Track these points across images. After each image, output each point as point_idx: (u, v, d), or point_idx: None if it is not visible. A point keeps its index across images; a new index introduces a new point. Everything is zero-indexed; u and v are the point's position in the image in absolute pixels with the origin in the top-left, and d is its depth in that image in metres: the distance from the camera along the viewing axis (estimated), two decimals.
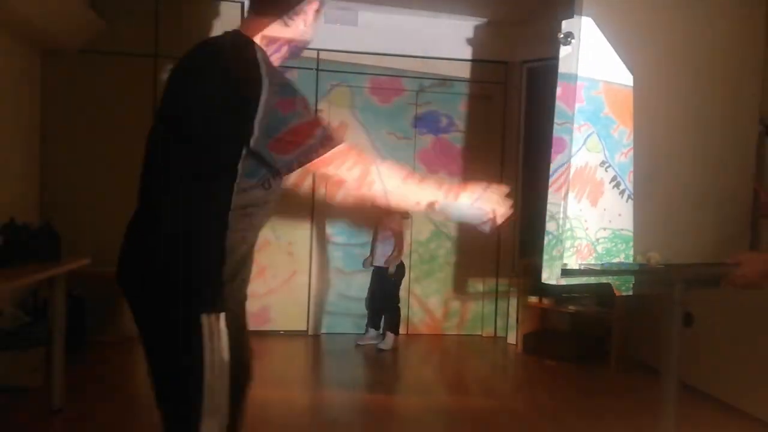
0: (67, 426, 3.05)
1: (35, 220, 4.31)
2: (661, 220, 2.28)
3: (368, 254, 5.00)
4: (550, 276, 1.95)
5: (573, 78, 1.94)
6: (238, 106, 1.43)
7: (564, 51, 1.98)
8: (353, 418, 3.34)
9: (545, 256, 1.94)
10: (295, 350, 4.69)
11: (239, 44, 1.54)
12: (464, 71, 5.30)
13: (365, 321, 5.09)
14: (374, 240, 4.95)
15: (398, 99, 5.25)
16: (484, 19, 5.22)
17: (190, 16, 4.87)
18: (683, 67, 2.26)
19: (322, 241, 5.16)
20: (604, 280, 2.15)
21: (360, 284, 5.21)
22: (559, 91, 1.99)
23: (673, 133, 2.26)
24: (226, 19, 4.93)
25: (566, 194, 1.93)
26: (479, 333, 5.38)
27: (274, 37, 1.60)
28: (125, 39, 4.76)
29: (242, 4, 4.95)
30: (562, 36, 1.98)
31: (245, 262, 1.63)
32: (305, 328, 5.12)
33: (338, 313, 5.20)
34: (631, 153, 2.08)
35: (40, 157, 4.70)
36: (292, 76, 5.01)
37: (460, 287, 5.35)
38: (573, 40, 1.95)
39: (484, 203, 1.61)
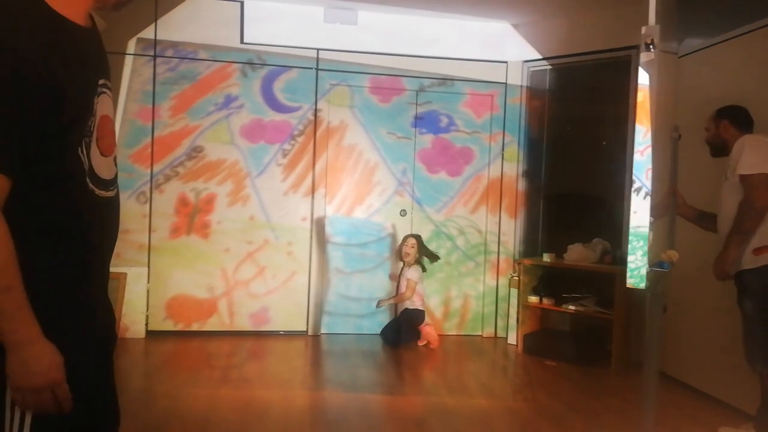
0: None
1: None
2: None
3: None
4: (637, 280, 1.96)
5: (653, 84, 1.92)
6: None
7: (645, 57, 1.93)
8: (353, 418, 3.33)
9: (631, 263, 1.96)
10: (295, 350, 4.68)
11: None
12: (464, 71, 5.29)
13: (365, 321, 5.14)
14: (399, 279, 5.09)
15: (398, 98, 5.24)
16: (485, 19, 5.22)
17: (190, 17, 4.88)
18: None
19: (322, 241, 5.15)
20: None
21: (360, 284, 5.20)
22: (640, 96, 1.94)
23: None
24: (226, 19, 4.94)
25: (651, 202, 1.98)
26: (479, 333, 5.37)
27: None
28: (125, 39, 4.76)
29: (242, 3, 4.94)
30: (647, 43, 1.91)
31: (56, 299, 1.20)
32: (305, 329, 5.11)
33: (338, 313, 5.19)
34: (649, 150, 2.07)
35: None
36: (291, 75, 5.02)
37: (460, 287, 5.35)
38: (653, 48, 1.90)
39: None
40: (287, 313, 5.07)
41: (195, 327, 4.93)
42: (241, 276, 4.99)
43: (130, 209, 4.78)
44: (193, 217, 4.93)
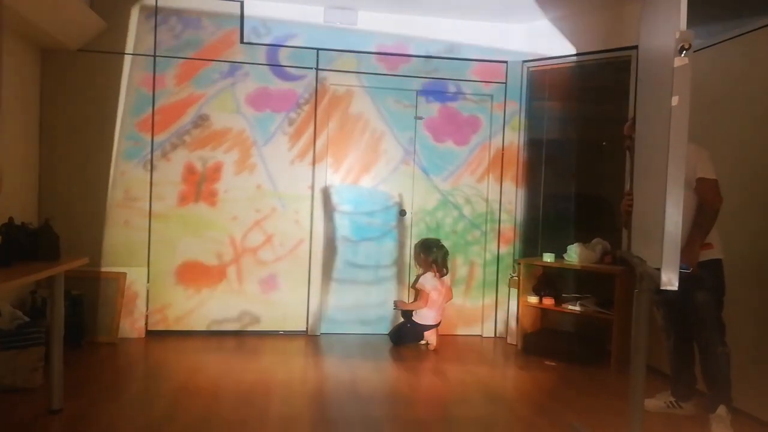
0: (66, 426, 3.04)
1: (34, 219, 4.31)
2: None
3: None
4: (671, 281, 1.96)
5: (687, 89, 1.91)
6: None
7: (679, 62, 1.91)
8: (353, 417, 3.33)
9: (665, 262, 1.96)
10: (295, 350, 4.68)
11: None
12: (465, 72, 5.28)
13: (365, 321, 5.19)
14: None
15: (405, 66, 5.21)
16: (485, 19, 5.21)
17: (189, 16, 4.87)
18: None
19: (329, 209, 5.15)
20: None
21: (367, 252, 5.24)
22: (674, 101, 1.92)
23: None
24: (226, 19, 4.93)
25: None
26: (479, 333, 5.37)
27: None
28: (128, 7, 4.76)
29: (242, 3, 4.94)
30: (685, 47, 1.89)
31: None
32: (305, 329, 5.11)
33: (338, 313, 5.20)
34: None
35: (39, 156, 4.69)
36: (296, 42, 5.00)
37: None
38: (687, 51, 1.88)
39: None
40: (288, 313, 5.08)
41: (197, 321, 4.93)
42: (249, 243, 5.01)
43: (137, 177, 4.80)
44: (200, 186, 4.94)
